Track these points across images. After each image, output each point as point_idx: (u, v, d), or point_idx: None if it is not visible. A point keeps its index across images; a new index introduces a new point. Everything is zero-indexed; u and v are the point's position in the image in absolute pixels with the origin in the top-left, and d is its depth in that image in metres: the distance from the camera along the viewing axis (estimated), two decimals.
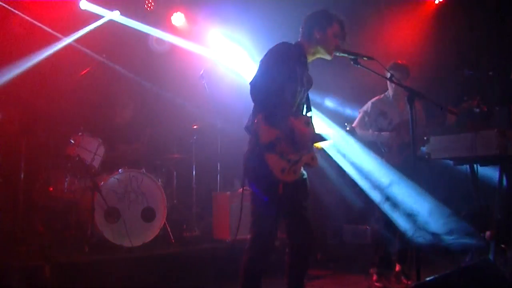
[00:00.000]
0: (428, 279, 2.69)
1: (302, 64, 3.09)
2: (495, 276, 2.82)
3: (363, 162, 4.69)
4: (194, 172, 5.86)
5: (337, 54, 3.08)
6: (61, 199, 5.07)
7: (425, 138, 4.05)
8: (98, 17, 6.35)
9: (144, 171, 4.95)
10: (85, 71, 4.98)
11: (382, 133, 4.34)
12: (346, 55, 3.05)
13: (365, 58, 3.03)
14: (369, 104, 4.53)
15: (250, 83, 2.89)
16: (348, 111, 6.09)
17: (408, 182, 4.19)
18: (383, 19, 7.02)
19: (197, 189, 5.83)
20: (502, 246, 4.04)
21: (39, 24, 5.83)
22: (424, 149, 3.96)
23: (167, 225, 5.02)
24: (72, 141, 4.98)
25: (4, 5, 5.56)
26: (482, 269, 2.82)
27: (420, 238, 4.57)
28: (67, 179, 5.05)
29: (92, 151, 4.97)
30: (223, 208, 5.16)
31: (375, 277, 4.30)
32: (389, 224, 4.30)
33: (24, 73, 5.56)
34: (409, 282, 4.17)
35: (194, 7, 6.98)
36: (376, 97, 4.55)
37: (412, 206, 4.21)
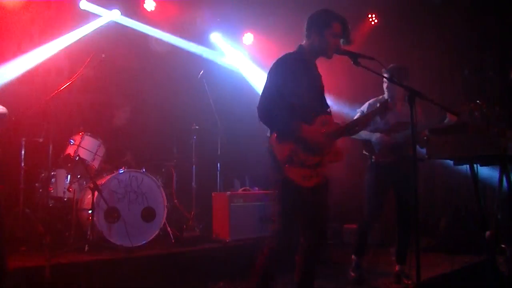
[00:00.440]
0: (428, 279, 2.70)
1: (306, 67, 3.10)
2: (495, 276, 2.82)
3: None
4: (194, 172, 5.86)
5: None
6: (61, 199, 5.08)
7: (424, 138, 4.06)
8: (98, 17, 6.36)
9: (144, 171, 4.95)
10: (85, 71, 4.97)
11: (376, 133, 4.36)
12: (346, 55, 3.05)
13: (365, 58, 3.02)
14: (366, 104, 4.57)
15: (257, 107, 2.98)
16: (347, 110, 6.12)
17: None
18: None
19: (197, 189, 5.83)
20: (502, 246, 4.04)
21: (39, 24, 5.83)
22: (423, 150, 3.98)
23: (167, 225, 5.02)
24: (72, 141, 4.98)
25: (4, 4, 5.57)
26: (482, 269, 2.83)
27: None
28: (67, 179, 5.06)
29: (92, 151, 4.97)
30: (223, 208, 5.15)
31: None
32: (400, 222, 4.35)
33: (24, 73, 5.57)
34: (409, 282, 4.17)
35: (195, 9, 6.99)
36: (374, 98, 4.57)
37: None
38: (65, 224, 4.92)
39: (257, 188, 5.70)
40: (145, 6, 6.66)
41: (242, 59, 7.67)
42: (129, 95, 5.90)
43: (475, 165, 4.08)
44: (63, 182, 5.07)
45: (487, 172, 5.11)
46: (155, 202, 4.90)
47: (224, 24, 7.37)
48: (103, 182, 4.70)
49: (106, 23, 6.40)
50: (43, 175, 5.12)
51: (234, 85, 7.35)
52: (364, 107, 4.56)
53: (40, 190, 5.09)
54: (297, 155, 2.95)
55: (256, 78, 7.58)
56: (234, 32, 7.54)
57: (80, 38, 6.17)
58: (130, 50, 6.32)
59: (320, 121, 3.08)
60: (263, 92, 3.01)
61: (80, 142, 4.93)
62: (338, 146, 3.15)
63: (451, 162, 4.14)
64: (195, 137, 5.91)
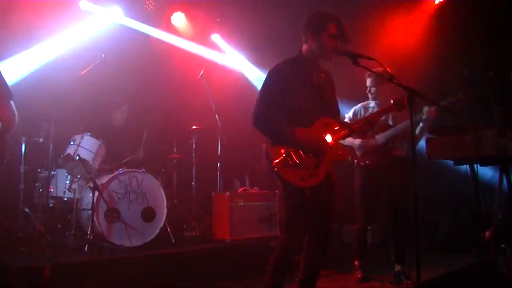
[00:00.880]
0: (428, 279, 2.69)
1: (302, 72, 3.11)
2: (495, 276, 2.82)
3: None
4: (194, 172, 5.86)
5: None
6: (61, 199, 5.08)
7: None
8: (98, 17, 6.36)
9: (144, 171, 4.95)
10: (85, 71, 4.97)
11: (357, 140, 4.40)
12: (345, 55, 3.04)
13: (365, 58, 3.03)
14: (352, 110, 4.67)
15: (252, 115, 3.02)
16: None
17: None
18: (383, 18, 7.03)
19: (197, 189, 5.83)
20: (502, 246, 4.04)
21: (39, 24, 5.83)
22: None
23: (167, 225, 5.02)
24: (72, 141, 4.98)
25: (4, 4, 5.57)
26: (482, 269, 2.83)
27: None
28: (67, 179, 5.06)
29: (92, 151, 4.97)
30: (223, 208, 5.15)
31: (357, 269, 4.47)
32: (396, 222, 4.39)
33: (24, 73, 5.57)
34: (408, 282, 4.18)
35: (194, 8, 6.99)
36: (360, 104, 4.65)
37: None
38: (65, 224, 4.92)
39: (257, 188, 5.70)
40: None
41: (242, 59, 7.68)
42: (129, 95, 5.89)
43: (475, 165, 4.08)
44: (63, 182, 5.07)
45: (487, 172, 5.12)
46: (155, 202, 4.90)
47: (224, 24, 7.37)
48: (103, 182, 4.70)
49: (106, 23, 6.41)
50: (43, 175, 5.12)
51: (234, 85, 7.35)
52: (351, 112, 4.65)
53: (40, 190, 5.09)
54: (292, 157, 2.97)
55: (256, 78, 7.59)
56: (234, 32, 7.54)
57: (80, 38, 6.18)
58: (130, 50, 6.32)
59: (321, 122, 3.09)
60: (257, 99, 3.05)
61: (80, 142, 4.93)
62: (341, 146, 3.17)
63: (451, 162, 4.15)
64: (195, 137, 5.91)
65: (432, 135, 3.98)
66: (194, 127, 5.90)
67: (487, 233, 4.01)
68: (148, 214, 4.82)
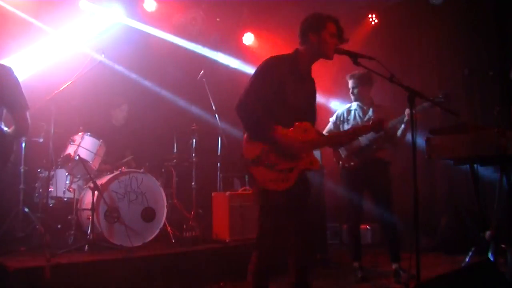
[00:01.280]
0: (428, 279, 2.69)
1: (293, 73, 3.09)
2: (495, 276, 2.82)
3: None
4: (194, 172, 5.86)
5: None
6: (61, 199, 5.08)
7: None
8: (97, 17, 6.36)
9: (144, 171, 4.95)
10: (85, 71, 4.97)
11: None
12: (346, 55, 3.05)
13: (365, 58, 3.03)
14: (335, 114, 4.75)
15: (238, 99, 2.96)
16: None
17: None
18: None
19: (197, 189, 5.83)
20: (502, 246, 4.04)
21: (39, 24, 5.83)
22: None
23: (167, 225, 5.02)
24: (72, 141, 4.98)
25: (3, 4, 5.57)
26: (482, 269, 2.83)
27: None
28: (67, 179, 5.06)
29: (92, 151, 4.97)
30: (223, 208, 5.15)
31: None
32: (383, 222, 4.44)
33: (24, 73, 5.56)
34: (406, 275, 4.19)
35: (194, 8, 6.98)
36: (342, 108, 4.74)
37: None
38: (65, 224, 4.91)
39: None
40: (144, 6, 6.66)
41: (242, 59, 7.67)
42: (129, 95, 5.89)
43: (475, 165, 4.08)
44: (63, 182, 5.08)
45: (487, 172, 5.12)
46: (155, 202, 4.90)
47: (224, 24, 7.36)
48: (103, 182, 4.70)
49: (106, 23, 6.40)
50: (43, 175, 5.12)
51: (234, 85, 7.34)
52: (334, 115, 4.73)
53: (40, 190, 5.09)
54: (268, 156, 2.93)
55: None
56: (234, 32, 7.53)
57: (80, 38, 6.17)
58: (130, 50, 6.32)
59: (301, 127, 3.05)
60: (247, 86, 2.99)
61: (80, 142, 4.93)
62: (314, 155, 3.11)
63: (451, 162, 4.15)
64: (195, 137, 5.91)
65: (432, 135, 3.98)
66: (194, 126, 5.90)
67: (487, 233, 4.02)
68: (148, 214, 4.82)
